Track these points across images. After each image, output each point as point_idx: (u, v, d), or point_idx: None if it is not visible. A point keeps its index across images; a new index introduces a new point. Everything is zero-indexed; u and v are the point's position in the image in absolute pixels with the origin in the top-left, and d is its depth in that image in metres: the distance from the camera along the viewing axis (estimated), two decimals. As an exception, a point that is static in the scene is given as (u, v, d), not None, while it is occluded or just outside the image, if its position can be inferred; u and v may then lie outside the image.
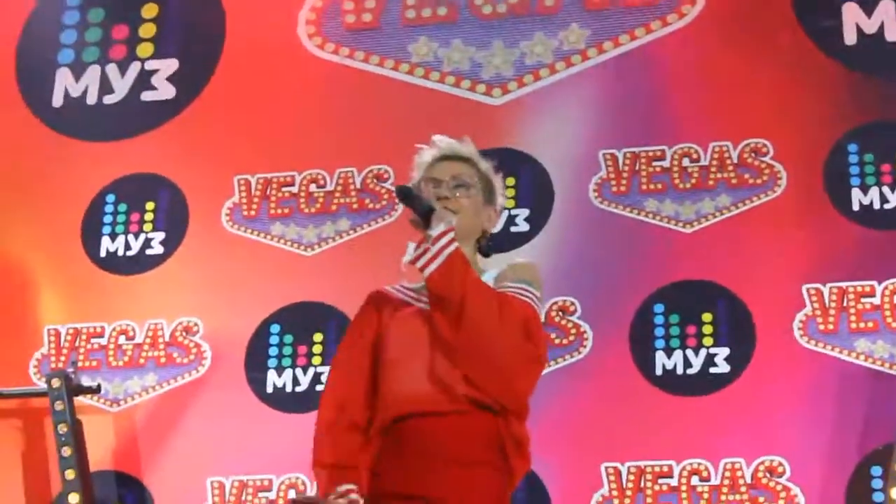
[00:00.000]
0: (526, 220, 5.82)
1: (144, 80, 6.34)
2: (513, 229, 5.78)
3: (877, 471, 5.26)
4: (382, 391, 3.22)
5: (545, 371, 5.32)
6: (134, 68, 6.36)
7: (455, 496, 3.12)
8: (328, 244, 5.96)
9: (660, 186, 5.80)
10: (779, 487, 5.34)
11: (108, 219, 6.15)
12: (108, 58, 6.42)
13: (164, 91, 6.31)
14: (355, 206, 5.99)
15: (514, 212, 5.80)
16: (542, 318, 3.26)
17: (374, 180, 5.98)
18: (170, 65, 6.34)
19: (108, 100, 6.35)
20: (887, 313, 5.41)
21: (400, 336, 3.28)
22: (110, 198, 6.17)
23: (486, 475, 3.17)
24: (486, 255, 3.44)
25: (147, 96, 6.32)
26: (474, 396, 3.14)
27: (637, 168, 5.84)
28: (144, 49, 6.37)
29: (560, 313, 5.66)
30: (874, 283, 5.47)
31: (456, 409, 3.15)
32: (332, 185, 6.02)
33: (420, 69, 6.07)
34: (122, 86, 6.33)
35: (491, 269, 3.38)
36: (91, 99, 6.34)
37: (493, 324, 3.11)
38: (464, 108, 6.03)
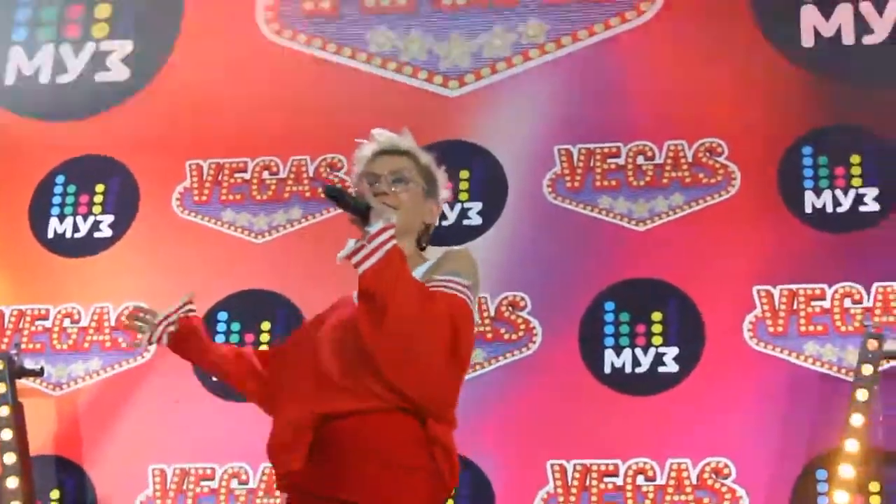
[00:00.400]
0: (479, 213, 5.85)
1: (99, 61, 6.32)
2: (465, 222, 5.80)
3: (822, 474, 5.33)
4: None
5: (494, 366, 5.52)
6: (88, 49, 6.35)
7: (380, 499, 3.09)
8: (279, 232, 5.97)
9: (614, 183, 5.84)
10: (724, 489, 5.39)
11: (57, 200, 6.13)
12: (62, 37, 6.41)
13: (118, 73, 6.30)
14: (307, 194, 6.00)
15: (467, 205, 5.83)
16: (475, 307, 3.24)
17: (328, 169, 6.00)
18: (125, 46, 6.34)
19: (62, 79, 6.34)
20: (836, 317, 5.50)
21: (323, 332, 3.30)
22: (60, 179, 6.15)
23: (416, 479, 3.13)
24: (422, 249, 3.42)
25: (101, 77, 6.31)
26: (389, 398, 3.10)
27: (592, 164, 5.88)
28: (100, 29, 6.36)
29: (510, 308, 5.70)
30: (824, 286, 5.54)
31: (377, 408, 3.11)
32: (285, 173, 6.03)
33: (377, 59, 6.10)
34: (75, 66, 6.32)
35: (434, 256, 3.35)
36: (44, 78, 6.33)
37: (414, 323, 3.06)
38: (420, 99, 6.05)
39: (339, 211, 5.72)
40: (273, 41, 6.24)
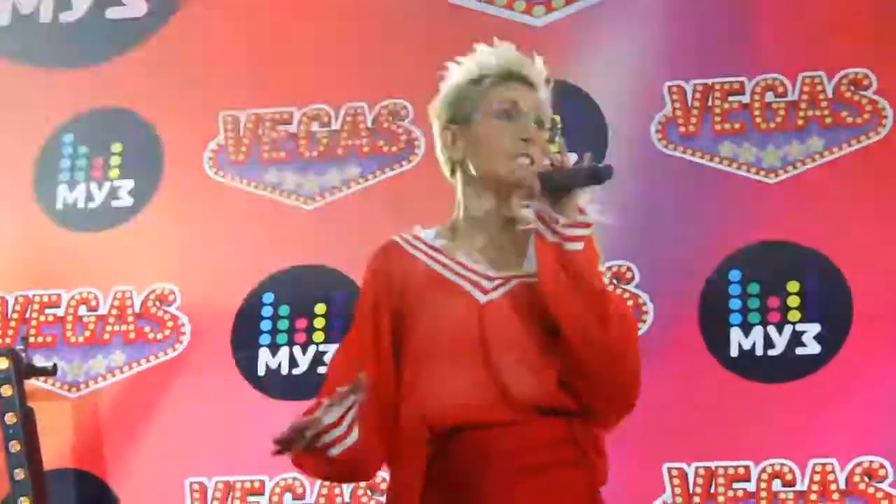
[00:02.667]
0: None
1: None
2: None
3: None
4: (417, 395, 3.12)
5: None
6: None
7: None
8: (333, 195, 5.93)
9: (738, 126, 5.76)
10: (879, 494, 5.31)
11: (65, 163, 6.15)
12: None
13: (134, 7, 6.27)
14: (366, 149, 5.95)
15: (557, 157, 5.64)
16: None
17: (390, 117, 5.94)
18: None
19: (66, 17, 6.30)
20: None
21: (437, 322, 3.14)
22: (68, 138, 6.16)
23: (566, 474, 3.11)
24: None
25: (113, 13, 6.26)
26: (556, 404, 3.05)
27: (710, 104, 5.80)
28: None
29: (615, 281, 5.65)
30: None
31: (517, 419, 3.05)
32: (338, 124, 5.99)
33: None
34: (82, 0, 6.33)
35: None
36: (45, 16, 6.27)
37: (632, 324, 3.09)
38: (498, 30, 5.62)
39: (404, 168, 5.79)
40: None
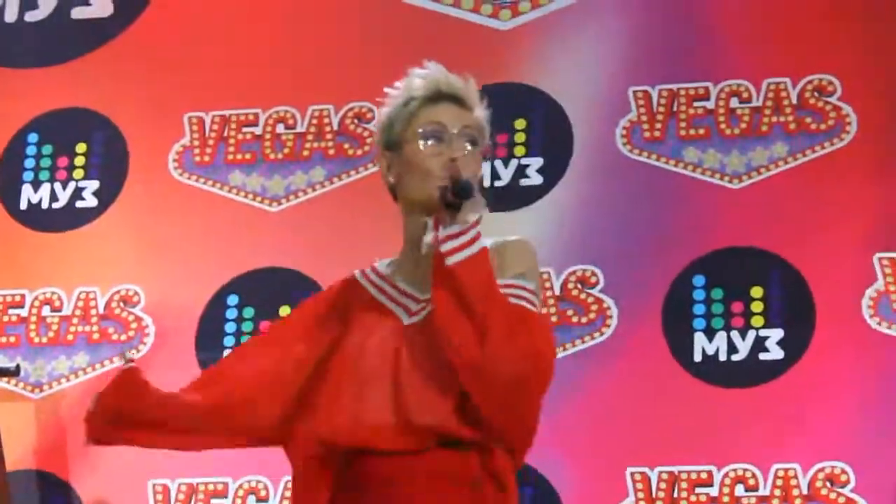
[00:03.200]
0: (538, 171, 5.79)
1: None
2: (523, 182, 5.76)
3: None
4: (319, 413, 3.12)
5: (560, 355, 5.38)
6: None
7: None
8: (298, 198, 5.93)
9: (702, 132, 5.76)
10: (841, 500, 5.32)
11: (29, 163, 6.13)
12: None
13: (99, 7, 6.25)
14: (332, 151, 5.94)
15: (524, 161, 5.77)
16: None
17: (356, 120, 5.94)
18: None
19: (31, 17, 6.28)
20: None
21: (363, 343, 3.15)
22: (32, 137, 6.14)
23: None
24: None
25: (78, 13, 6.24)
26: (455, 432, 2.99)
27: (675, 109, 5.79)
28: None
29: (579, 285, 5.66)
30: None
31: (412, 448, 3.03)
32: (304, 126, 5.99)
33: None
34: (48, 0, 6.36)
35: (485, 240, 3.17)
36: (10, 16, 6.26)
37: (529, 341, 2.96)
38: (465, 33, 5.97)
39: (370, 171, 5.66)
40: None
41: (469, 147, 3.15)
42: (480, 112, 3.22)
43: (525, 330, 2.99)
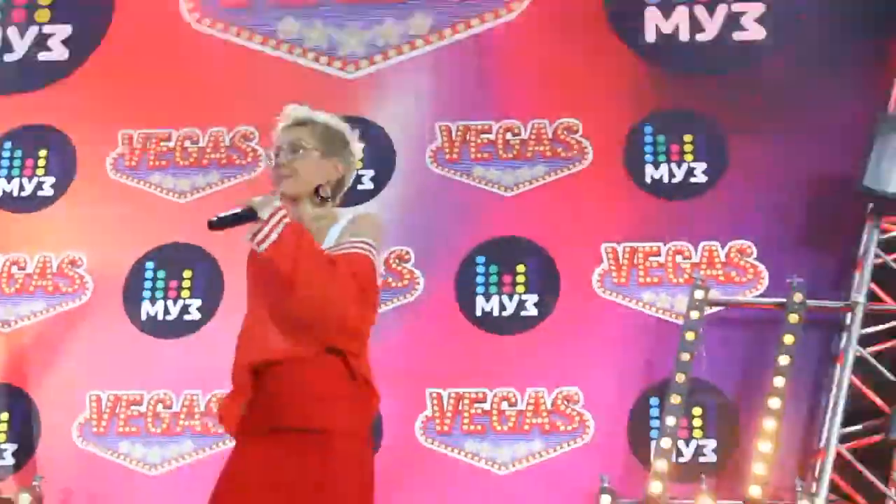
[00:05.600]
0: (371, 179, 6.25)
1: (41, 42, 6.60)
2: (359, 187, 6.12)
3: (654, 401, 5.89)
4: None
5: (382, 310, 5.33)
6: (32, 31, 6.63)
7: (315, 424, 3.24)
8: (199, 193, 6.31)
9: (486, 156, 6.28)
10: (574, 413, 5.89)
11: (4, 163, 6.44)
12: (10, 20, 6.67)
13: (58, 53, 6.61)
14: (224, 161, 6.34)
15: (360, 172, 6.14)
16: (381, 264, 3.40)
17: (242, 139, 6.35)
18: (64, 30, 6.64)
19: (9, 58, 6.64)
20: (669, 271, 6.09)
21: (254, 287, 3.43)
22: (7, 145, 6.45)
23: (342, 405, 3.28)
24: (325, 201, 3.46)
25: (43, 56, 6.59)
26: (316, 344, 3.27)
27: (468, 139, 6.30)
28: (42, 15, 6.69)
29: (397, 261, 6.10)
30: (660, 244, 6.14)
31: (308, 352, 3.29)
32: (205, 142, 6.40)
33: (285, 45, 6.43)
34: (21, 46, 6.63)
35: (346, 216, 3.45)
36: None
37: (322, 287, 3.22)
38: (321, 81, 6.38)
39: (255, 174, 6.02)
40: (195, 28, 6.56)
41: (291, 156, 3.38)
42: (313, 126, 3.45)
43: (327, 281, 3.22)
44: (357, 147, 3.61)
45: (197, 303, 6.18)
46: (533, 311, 6.11)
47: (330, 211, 3.50)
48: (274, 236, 3.23)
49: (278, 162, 3.43)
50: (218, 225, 3.24)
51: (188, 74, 6.51)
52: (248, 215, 3.25)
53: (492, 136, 6.33)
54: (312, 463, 3.24)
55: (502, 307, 6.12)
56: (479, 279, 6.16)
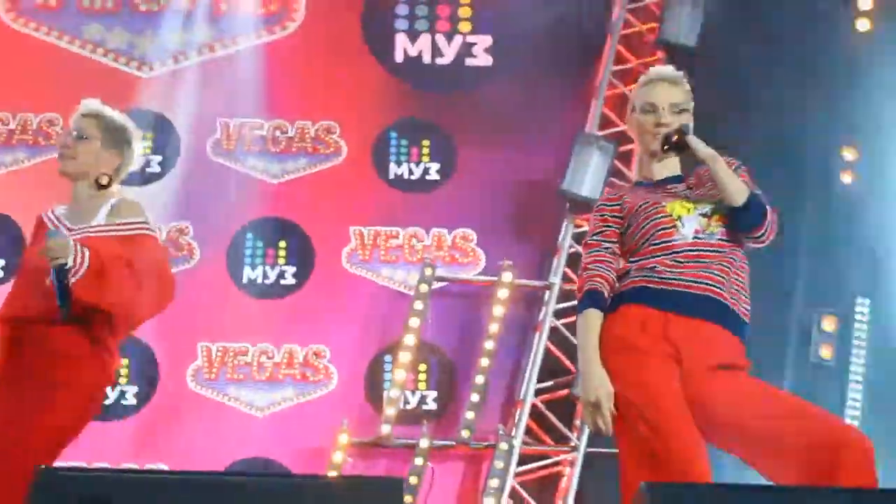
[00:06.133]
0: (158, 164, 6.91)
1: None
2: (148, 170, 6.78)
3: (388, 359, 6.81)
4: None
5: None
6: None
7: (58, 377, 3.60)
8: (9, 168, 6.95)
9: (257, 148, 7.03)
10: (321, 366, 6.76)
11: None
12: None
13: None
14: (31, 142, 6.91)
15: (150, 157, 6.81)
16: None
17: (47, 124, 6.92)
18: None
19: None
20: (406, 251, 7.01)
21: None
22: None
23: (81, 363, 3.64)
24: (103, 187, 3.74)
25: None
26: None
27: (242, 134, 7.01)
28: None
29: (178, 233, 6.81)
30: (399, 229, 7.04)
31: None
32: (15, 125, 6.96)
33: (90, 45, 6.98)
34: None
35: (110, 200, 3.73)
36: None
37: (131, 292, 3.57)
38: (121, 78, 6.96)
39: (52, 156, 5.86)
40: (12, 27, 7.08)
41: (76, 141, 3.69)
42: (100, 119, 3.73)
43: (133, 289, 3.55)
44: (137, 143, 3.85)
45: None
46: (291, 281, 6.95)
47: (103, 193, 3.80)
48: (82, 272, 3.55)
49: (64, 143, 3.77)
50: (62, 304, 3.56)
51: (4, 69, 7.01)
52: (65, 272, 3.53)
53: (263, 133, 7.09)
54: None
55: (265, 276, 6.93)
56: (247, 252, 6.94)
